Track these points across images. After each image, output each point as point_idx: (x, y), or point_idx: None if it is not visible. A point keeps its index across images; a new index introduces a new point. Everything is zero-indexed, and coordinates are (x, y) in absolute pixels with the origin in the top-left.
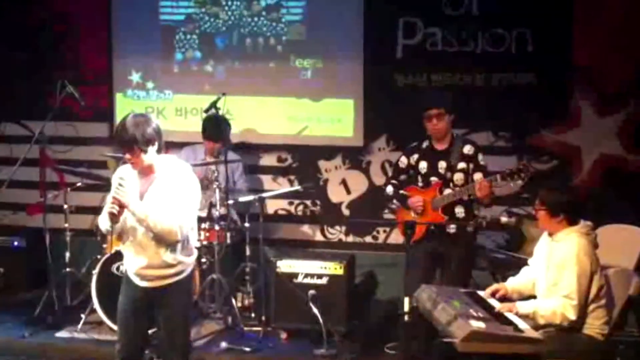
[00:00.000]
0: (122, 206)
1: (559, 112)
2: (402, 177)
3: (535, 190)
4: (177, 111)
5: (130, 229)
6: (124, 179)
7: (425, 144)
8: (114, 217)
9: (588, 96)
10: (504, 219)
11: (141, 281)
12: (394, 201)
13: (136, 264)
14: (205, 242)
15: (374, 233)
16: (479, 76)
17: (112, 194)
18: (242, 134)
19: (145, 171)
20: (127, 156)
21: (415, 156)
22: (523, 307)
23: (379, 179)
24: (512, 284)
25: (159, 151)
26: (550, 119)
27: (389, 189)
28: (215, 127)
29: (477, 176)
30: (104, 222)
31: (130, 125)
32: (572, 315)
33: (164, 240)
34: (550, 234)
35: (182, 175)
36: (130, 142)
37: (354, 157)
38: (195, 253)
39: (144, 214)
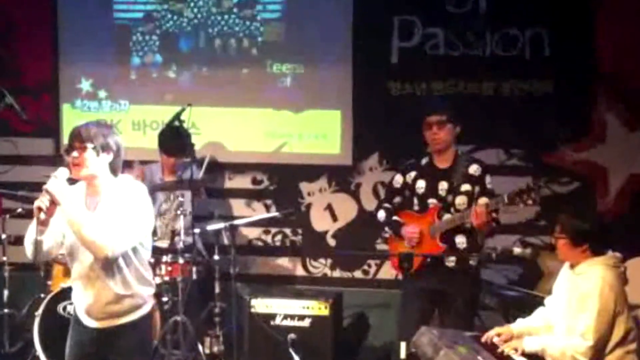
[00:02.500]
0: (54, 202)
1: (580, 126)
2: (397, 199)
3: (553, 216)
4: (134, 125)
5: (73, 255)
6: (57, 177)
7: (424, 161)
8: (41, 218)
9: (615, 107)
10: (517, 250)
11: (90, 321)
12: (386, 229)
13: (84, 300)
14: (167, 278)
15: (365, 267)
16: (487, 84)
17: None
18: (209, 151)
19: (91, 188)
20: (74, 155)
21: (413, 174)
22: (530, 344)
23: (370, 204)
24: (520, 326)
25: (113, 169)
26: (571, 134)
27: (381, 215)
28: (173, 138)
29: (483, 201)
30: (29, 237)
31: (93, 126)
32: (585, 358)
33: (92, 254)
34: (572, 267)
35: (132, 194)
36: (86, 137)
37: (342, 178)
38: (153, 286)
39: (78, 217)
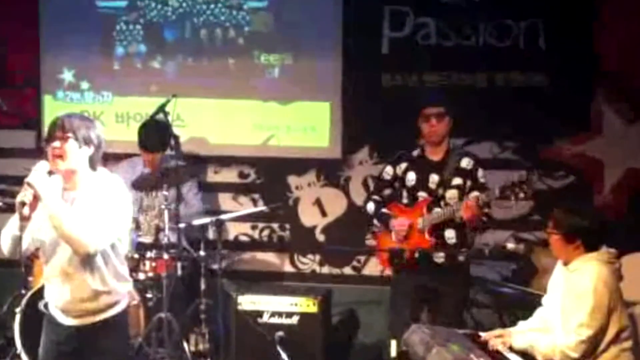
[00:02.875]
0: (36, 196)
1: (577, 119)
2: (387, 191)
3: (547, 211)
4: (117, 117)
5: (50, 251)
6: (38, 170)
7: (416, 153)
8: (24, 213)
9: (613, 99)
10: (510, 246)
11: (67, 318)
12: (375, 222)
13: (60, 297)
14: (151, 274)
15: (355, 263)
16: (480, 76)
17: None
18: (195, 144)
19: (69, 182)
20: (55, 145)
21: (403, 165)
22: (519, 340)
23: (360, 198)
24: (521, 328)
25: (92, 163)
26: (567, 127)
27: (370, 207)
28: (152, 133)
29: (474, 194)
30: (8, 232)
31: (76, 118)
32: (575, 354)
33: (71, 246)
34: (565, 264)
35: (110, 188)
36: (69, 128)
37: (331, 172)
38: (130, 282)
39: (59, 212)
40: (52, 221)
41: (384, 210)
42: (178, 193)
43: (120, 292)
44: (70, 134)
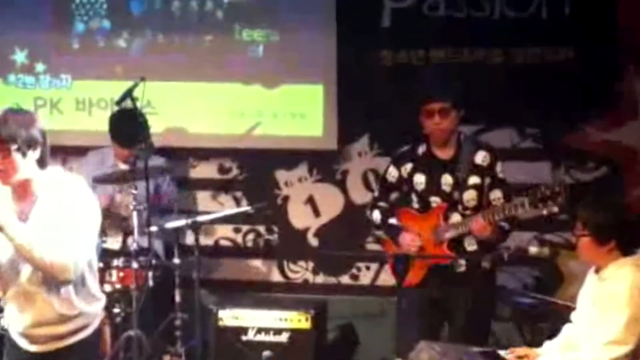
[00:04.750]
0: None
1: (608, 101)
2: (394, 195)
3: (576, 209)
4: (77, 103)
5: (9, 271)
6: None
7: (421, 149)
8: None
9: None
10: (533, 250)
11: (30, 345)
12: (381, 233)
13: (22, 321)
14: (118, 286)
15: (353, 271)
16: (496, 52)
17: None
18: (167, 135)
19: (21, 191)
20: None
21: (409, 166)
22: None
23: (359, 196)
24: (549, 350)
25: (41, 163)
26: (597, 111)
27: (376, 216)
28: (127, 124)
29: (495, 195)
30: None
31: (10, 121)
32: None
33: (53, 280)
34: (597, 270)
35: (72, 191)
36: (7, 137)
37: (325, 165)
38: (102, 300)
39: (27, 241)
40: (23, 255)
41: (393, 221)
42: (148, 189)
43: (91, 314)
44: (9, 145)
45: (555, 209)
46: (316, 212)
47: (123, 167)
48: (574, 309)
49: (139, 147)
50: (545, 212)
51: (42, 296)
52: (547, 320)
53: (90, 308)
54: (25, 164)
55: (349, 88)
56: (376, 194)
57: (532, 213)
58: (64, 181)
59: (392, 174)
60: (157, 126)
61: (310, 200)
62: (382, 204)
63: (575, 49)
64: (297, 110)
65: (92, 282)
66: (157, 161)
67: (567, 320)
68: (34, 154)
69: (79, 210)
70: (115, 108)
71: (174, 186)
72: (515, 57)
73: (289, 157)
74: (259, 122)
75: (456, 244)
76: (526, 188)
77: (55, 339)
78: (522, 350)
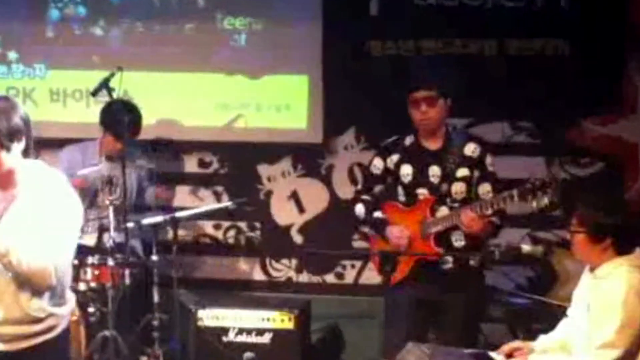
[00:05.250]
0: None
1: (606, 94)
2: (378, 188)
3: (571, 205)
4: (52, 94)
5: None
6: None
7: (409, 140)
8: None
9: None
10: (526, 248)
11: None
12: (365, 227)
13: None
14: (94, 284)
15: (339, 269)
16: (489, 43)
17: None
18: (144, 127)
19: (3, 183)
20: None
21: (395, 157)
22: None
23: (345, 191)
24: (544, 343)
25: (26, 153)
26: (594, 104)
27: (359, 210)
28: (122, 115)
29: (484, 188)
30: None
31: None
32: None
33: (31, 284)
34: (592, 269)
35: (53, 190)
36: None
37: (310, 159)
38: (72, 301)
39: (4, 247)
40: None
41: (378, 214)
42: (131, 183)
43: (61, 314)
44: None
45: (546, 201)
46: (300, 208)
47: (108, 163)
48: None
49: (135, 141)
50: (535, 204)
51: (11, 294)
52: (541, 321)
53: (60, 310)
54: (10, 157)
55: (335, 79)
56: (359, 186)
57: (522, 206)
58: (45, 178)
59: (377, 165)
60: None
61: (294, 196)
62: (365, 197)
63: (572, 40)
64: (281, 102)
65: (64, 283)
66: (141, 158)
67: (565, 316)
68: (19, 145)
69: (60, 210)
70: (92, 99)
71: (167, 188)
72: (509, 48)
73: (272, 150)
74: (241, 114)
75: (443, 239)
76: (518, 184)
77: (21, 339)
78: (515, 344)
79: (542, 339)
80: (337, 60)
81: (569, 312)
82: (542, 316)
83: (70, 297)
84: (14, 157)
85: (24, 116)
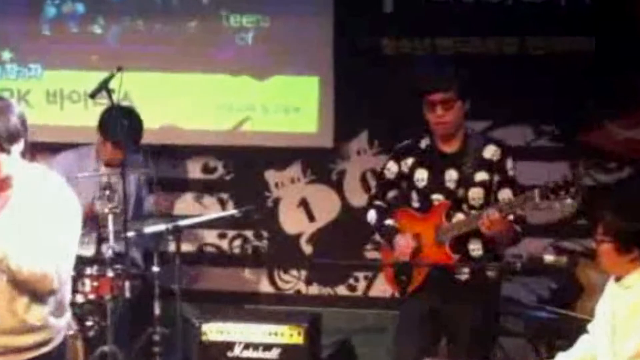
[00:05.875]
0: None
1: (631, 95)
2: (392, 193)
3: (596, 213)
4: (49, 96)
5: None
6: None
7: (424, 143)
8: None
9: None
10: (548, 258)
11: None
12: (376, 235)
13: None
14: (92, 296)
15: (351, 281)
16: (509, 40)
17: None
18: (146, 130)
19: (2, 185)
20: None
21: (410, 161)
22: None
23: (357, 198)
24: None
25: (23, 155)
26: (621, 106)
27: (371, 216)
28: (122, 123)
29: (504, 194)
30: None
31: None
32: None
33: (32, 290)
34: (618, 279)
35: (53, 191)
36: None
37: (320, 164)
38: (69, 313)
39: (1, 252)
40: None
41: (389, 221)
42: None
43: (57, 326)
44: None
45: (569, 202)
46: (310, 216)
47: (106, 170)
48: None
49: (134, 148)
50: (558, 205)
51: (6, 301)
52: (565, 336)
53: (56, 321)
54: (9, 159)
55: (347, 80)
56: (373, 191)
57: (545, 212)
58: (46, 180)
59: (391, 169)
60: None
61: (304, 203)
62: (379, 202)
63: (597, 39)
64: (289, 104)
65: (66, 291)
66: (141, 164)
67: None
68: (17, 147)
69: (59, 214)
70: (91, 101)
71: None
72: (530, 47)
73: (281, 155)
74: (247, 116)
75: (460, 246)
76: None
77: (14, 352)
78: None
79: (561, 356)
80: (349, 60)
81: (589, 327)
82: (566, 331)
83: (68, 309)
84: (13, 159)
85: (21, 116)
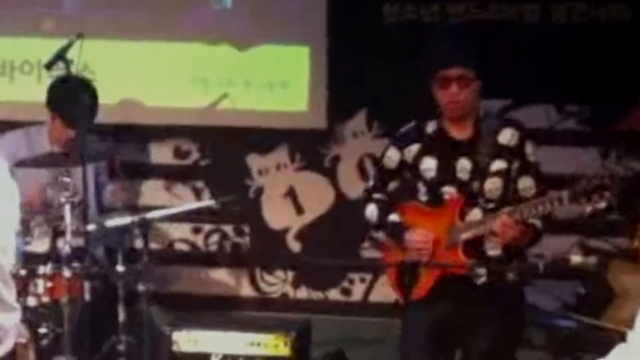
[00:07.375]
0: None
1: None
2: (392, 185)
3: (631, 209)
4: None
5: None
6: None
7: (430, 127)
8: None
9: None
10: (576, 259)
11: None
12: (379, 235)
13: None
14: (46, 299)
15: (345, 284)
16: (531, 7)
17: None
18: (109, 107)
19: None
20: None
21: (414, 148)
22: None
23: (353, 188)
24: None
25: None
26: None
27: (371, 211)
28: (74, 97)
29: (525, 183)
30: None
31: None
32: None
33: None
34: None
35: None
36: None
37: (311, 149)
38: (17, 311)
39: None
40: None
41: (394, 217)
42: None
43: (6, 327)
44: None
45: (603, 205)
46: (298, 209)
47: (59, 154)
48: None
49: (88, 127)
50: (589, 209)
51: None
52: (593, 350)
53: (6, 319)
54: None
55: (342, 51)
56: (371, 183)
57: (572, 210)
58: None
59: (392, 157)
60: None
61: (291, 194)
62: (378, 196)
63: (632, 5)
64: (275, 79)
65: (3, 286)
66: (99, 146)
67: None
68: None
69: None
70: (48, 73)
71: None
72: (555, 15)
73: (265, 137)
74: (226, 92)
75: (474, 247)
76: (566, 180)
77: None
78: None
79: None
80: (345, 28)
81: (629, 336)
82: (594, 344)
83: (16, 307)
84: None
85: None
